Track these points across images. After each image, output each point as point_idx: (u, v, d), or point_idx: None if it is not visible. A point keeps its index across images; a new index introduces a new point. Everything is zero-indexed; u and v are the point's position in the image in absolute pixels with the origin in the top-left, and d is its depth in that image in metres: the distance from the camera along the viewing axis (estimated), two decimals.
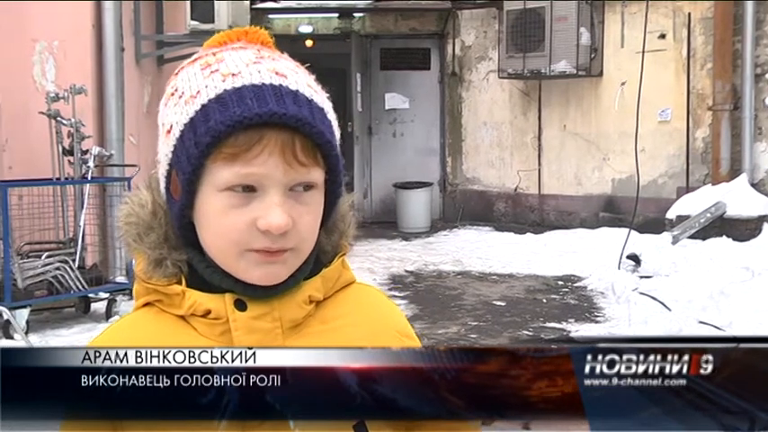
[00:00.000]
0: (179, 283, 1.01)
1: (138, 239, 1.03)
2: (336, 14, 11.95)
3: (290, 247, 0.97)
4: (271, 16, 12.03)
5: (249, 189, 0.95)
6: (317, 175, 0.98)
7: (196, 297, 1.00)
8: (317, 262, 1.04)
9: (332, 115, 1.01)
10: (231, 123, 0.93)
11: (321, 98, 1.00)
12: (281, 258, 0.97)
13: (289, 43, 12.73)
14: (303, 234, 0.98)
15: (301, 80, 0.99)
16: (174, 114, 0.99)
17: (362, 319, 1.06)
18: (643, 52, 8.93)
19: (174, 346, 0.92)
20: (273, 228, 0.94)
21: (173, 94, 1.01)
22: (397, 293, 7.36)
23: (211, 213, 0.97)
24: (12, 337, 5.62)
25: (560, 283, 7.82)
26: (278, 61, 1.00)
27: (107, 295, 6.48)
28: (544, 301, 7.13)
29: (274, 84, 0.96)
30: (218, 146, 0.94)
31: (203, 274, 1.00)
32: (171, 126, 0.99)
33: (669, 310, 6.29)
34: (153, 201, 1.04)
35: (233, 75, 0.96)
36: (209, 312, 1.00)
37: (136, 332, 1.03)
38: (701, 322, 5.83)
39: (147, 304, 1.04)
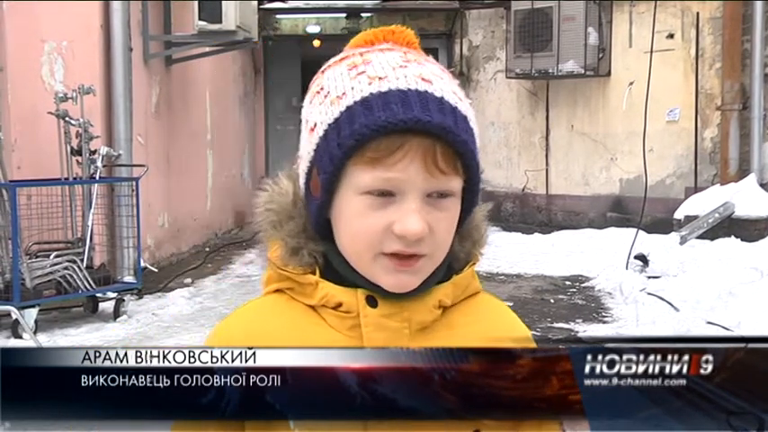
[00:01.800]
0: (313, 273, 1.02)
1: (277, 226, 1.04)
2: (344, 15, 11.97)
3: (425, 253, 0.97)
4: (278, 16, 12.05)
5: (388, 193, 0.95)
6: (456, 184, 0.98)
7: (329, 289, 1.01)
8: (448, 268, 1.04)
9: (474, 123, 1.00)
10: (375, 128, 0.93)
11: (465, 106, 0.99)
12: (415, 267, 0.97)
13: (296, 43, 12.76)
14: (438, 241, 0.98)
15: (446, 87, 0.98)
16: (320, 114, 0.99)
17: (488, 328, 1.06)
18: (651, 52, 8.92)
19: (304, 334, 0.96)
20: (410, 233, 0.95)
21: (318, 93, 1.01)
22: None
23: (349, 215, 0.97)
24: (20, 337, 5.63)
25: (568, 283, 7.81)
26: (424, 66, 1.00)
27: (115, 295, 6.50)
28: (552, 301, 7.12)
29: (420, 90, 0.95)
30: (361, 149, 0.94)
31: (338, 268, 1.01)
32: (315, 124, 0.99)
33: (677, 310, 6.27)
34: (294, 191, 1.04)
35: (379, 78, 0.96)
36: (340, 305, 1.00)
37: (269, 316, 1.03)
38: (708, 323, 5.81)
39: (276, 291, 1.05)
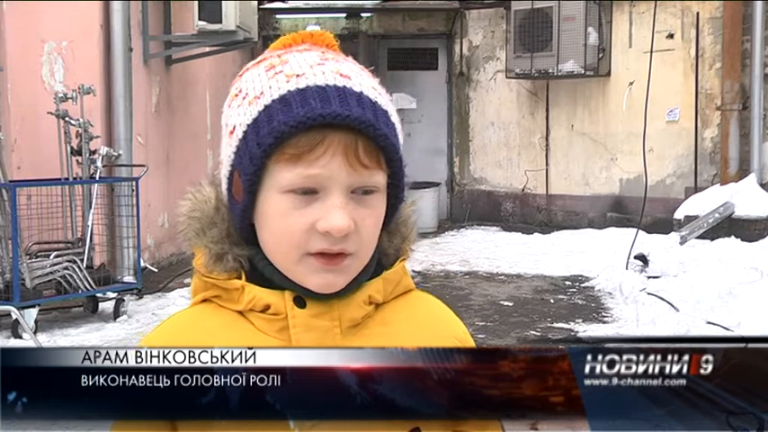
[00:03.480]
0: (239, 278, 1.01)
1: (200, 233, 1.02)
2: (344, 14, 11.96)
3: (351, 251, 0.96)
4: (278, 16, 12.05)
5: (311, 191, 0.94)
6: (380, 178, 0.97)
7: (255, 292, 0.99)
8: (378, 264, 1.03)
9: (395, 118, 1.00)
10: (294, 124, 0.92)
11: (385, 100, 0.99)
12: (341, 266, 0.96)
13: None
14: (363, 238, 0.97)
15: (365, 82, 0.98)
16: (238, 115, 0.98)
17: (422, 324, 1.05)
18: (651, 52, 8.92)
19: (232, 342, 0.93)
20: (334, 230, 0.93)
21: (236, 95, 1.00)
22: None
23: (272, 215, 0.96)
24: (20, 337, 5.64)
25: (568, 283, 7.81)
26: (342, 63, 1.00)
27: (115, 295, 6.50)
28: (552, 301, 7.12)
29: (338, 85, 0.95)
30: (281, 147, 0.93)
31: (264, 271, 1.00)
32: (234, 127, 0.98)
33: (677, 310, 6.27)
34: (216, 197, 1.03)
35: (297, 76, 0.96)
36: (268, 308, 0.99)
37: (194, 328, 1.02)
38: (709, 323, 5.81)
39: (204, 301, 1.04)
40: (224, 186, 1.01)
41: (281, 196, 0.95)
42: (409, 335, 1.03)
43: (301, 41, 1.03)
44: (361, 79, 0.98)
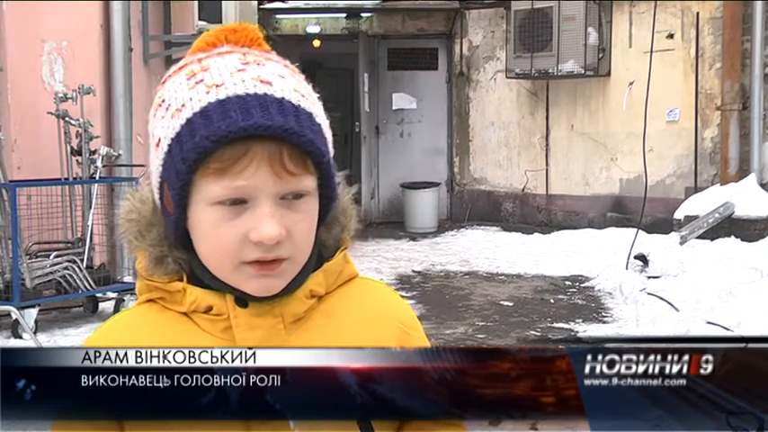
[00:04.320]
0: (180, 279, 1.01)
1: (139, 237, 1.02)
2: (344, 14, 11.96)
3: (286, 256, 0.96)
4: (278, 16, 12.05)
5: (240, 202, 0.94)
6: (309, 183, 0.96)
7: (197, 294, 1.00)
8: (318, 257, 1.03)
9: (321, 119, 0.99)
10: (216, 138, 0.91)
11: (309, 102, 0.98)
12: (277, 271, 0.96)
13: (296, 43, 12.75)
14: (297, 242, 0.97)
15: (287, 86, 0.96)
16: (162, 128, 0.97)
17: (366, 311, 1.06)
18: (651, 52, 8.92)
19: (176, 343, 0.92)
20: (266, 239, 0.93)
21: (160, 105, 0.99)
22: (404, 293, 7.36)
23: (204, 227, 0.96)
24: (20, 337, 5.64)
25: (568, 283, 7.81)
26: (263, 66, 0.98)
27: (115, 295, 6.51)
28: (552, 301, 7.12)
29: (259, 93, 0.94)
30: (205, 161, 0.93)
31: (202, 277, 1.00)
32: (159, 140, 0.98)
33: (677, 310, 6.27)
34: (153, 199, 1.03)
35: (216, 86, 0.95)
36: (210, 309, 0.99)
37: (138, 328, 1.02)
38: (709, 323, 5.81)
39: (149, 300, 1.04)
40: (156, 196, 1.01)
41: (210, 208, 0.95)
42: (354, 323, 1.03)
43: (224, 40, 1.01)
44: (282, 83, 0.96)
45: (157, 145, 0.98)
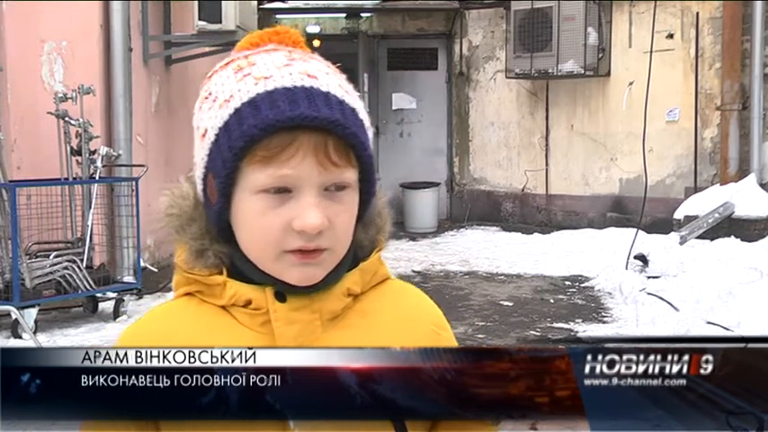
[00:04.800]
0: (220, 273, 1.02)
1: (180, 230, 1.04)
2: (344, 14, 11.96)
3: (326, 247, 0.98)
4: (278, 16, 12.05)
5: (284, 191, 0.96)
6: (351, 175, 0.99)
7: (237, 287, 1.01)
8: (354, 257, 1.05)
9: (363, 115, 1.01)
10: (264, 127, 0.94)
11: (352, 99, 1.00)
12: (318, 260, 0.98)
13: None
14: (338, 233, 0.99)
15: (332, 81, 0.99)
16: (209, 119, 0.99)
17: (400, 312, 1.07)
18: (651, 52, 8.93)
19: (214, 336, 0.96)
20: (309, 227, 0.95)
21: (206, 98, 1.01)
22: None
23: (248, 216, 0.98)
24: (20, 337, 5.64)
25: (568, 283, 7.81)
26: (309, 63, 1.01)
27: (115, 295, 6.50)
28: (551, 301, 7.12)
29: (306, 86, 0.97)
30: (252, 149, 0.95)
31: (243, 269, 1.02)
32: (206, 130, 1.00)
33: (677, 310, 6.27)
34: (194, 194, 1.05)
35: (265, 78, 0.97)
36: (249, 302, 1.01)
37: (177, 321, 1.04)
38: (708, 323, 5.81)
39: (187, 294, 1.05)
40: (199, 188, 1.03)
41: (255, 197, 0.97)
42: (389, 324, 1.05)
43: (268, 40, 1.04)
44: (328, 79, 0.99)
45: (203, 136, 1.00)
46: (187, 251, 1.03)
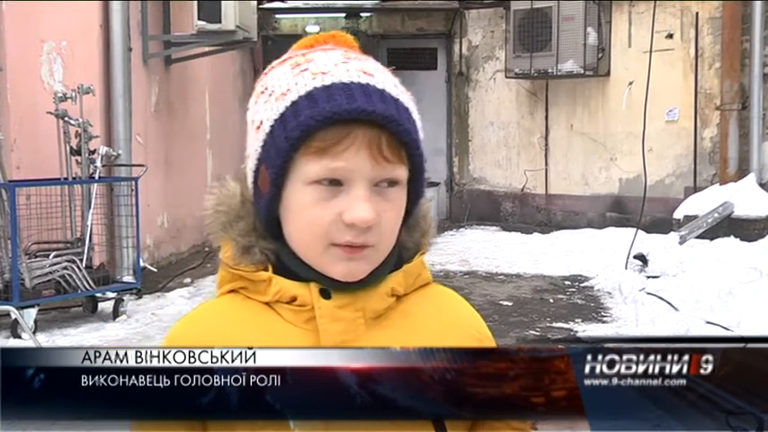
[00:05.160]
0: (265, 270, 1.03)
1: (227, 227, 1.05)
2: (343, 14, 11.96)
3: (372, 243, 0.99)
4: (278, 16, 12.05)
5: (336, 183, 0.97)
6: (402, 173, 1.00)
7: (282, 284, 1.02)
8: (398, 258, 1.06)
9: (416, 115, 1.03)
10: (321, 119, 0.95)
11: (406, 98, 1.02)
12: (363, 255, 0.99)
13: (295, 43, 12.75)
14: (384, 231, 1.00)
15: (388, 80, 1.01)
16: (265, 111, 1.01)
17: (442, 316, 1.08)
18: (650, 52, 8.93)
19: (260, 332, 0.97)
20: (359, 221, 0.96)
21: (263, 93, 1.03)
22: None
23: (298, 206, 0.99)
24: (20, 337, 5.63)
25: (567, 283, 7.81)
26: (365, 62, 1.03)
27: (114, 295, 6.50)
28: (551, 301, 7.12)
29: (362, 82, 0.98)
30: (308, 140, 0.96)
31: (289, 264, 1.02)
32: (261, 122, 1.01)
33: (676, 310, 6.27)
34: (242, 192, 1.06)
35: (322, 73, 0.99)
36: (294, 299, 1.02)
37: (224, 318, 1.04)
38: (708, 322, 5.81)
39: (231, 291, 1.06)
40: (249, 180, 1.05)
41: (307, 188, 0.98)
42: (431, 326, 1.06)
43: (324, 42, 1.06)
44: (383, 77, 1.01)
45: (258, 128, 1.02)
46: (233, 248, 1.04)
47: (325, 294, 1.01)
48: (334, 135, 0.96)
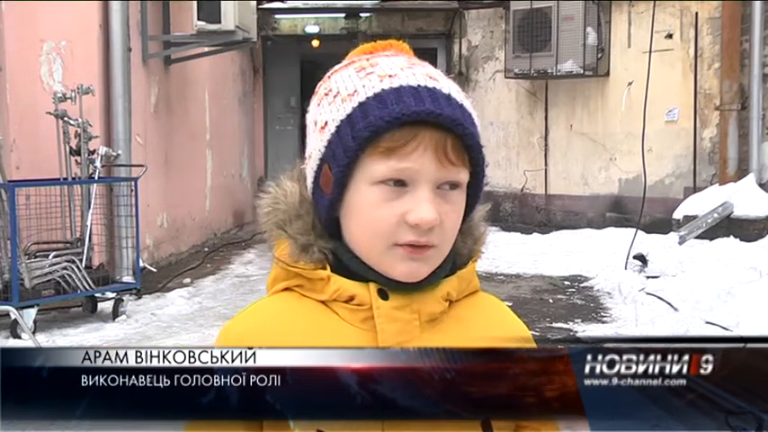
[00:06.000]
0: (323, 269, 1.04)
1: (285, 225, 1.06)
2: (343, 14, 11.96)
3: (435, 243, 1.00)
4: (277, 16, 12.05)
5: (400, 183, 0.98)
6: (464, 176, 1.01)
7: (341, 283, 1.03)
8: (452, 264, 1.07)
9: (478, 121, 1.04)
10: (390, 119, 0.97)
11: (469, 104, 1.04)
12: (425, 255, 1.00)
13: (295, 43, 12.76)
14: (446, 232, 1.01)
15: (452, 86, 1.03)
16: (330, 112, 1.02)
17: (492, 323, 1.09)
18: (650, 52, 8.93)
19: (317, 330, 0.98)
20: (423, 222, 0.97)
21: (327, 95, 1.04)
22: None
23: (362, 206, 1.00)
24: (19, 337, 5.63)
25: (567, 283, 7.81)
26: (429, 67, 1.06)
27: (114, 295, 6.50)
28: (551, 301, 7.12)
29: (429, 86, 1.00)
30: (376, 141, 0.98)
31: (349, 264, 1.03)
32: (326, 123, 1.02)
33: (676, 310, 6.27)
34: (300, 191, 1.07)
35: (390, 76, 1.01)
36: (352, 298, 1.02)
37: (280, 315, 1.05)
38: (707, 322, 5.81)
39: (285, 290, 1.07)
40: (310, 180, 1.05)
41: (372, 188, 0.99)
42: (480, 332, 1.06)
43: (383, 49, 1.09)
44: (448, 83, 1.03)
45: (323, 128, 1.02)
46: (291, 246, 1.05)
47: (382, 295, 1.02)
48: (401, 136, 0.97)
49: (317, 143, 1.03)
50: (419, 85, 1.00)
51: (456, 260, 1.07)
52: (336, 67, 1.08)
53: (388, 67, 1.02)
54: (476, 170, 1.03)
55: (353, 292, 1.02)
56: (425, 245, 0.99)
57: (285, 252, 1.05)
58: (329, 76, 1.07)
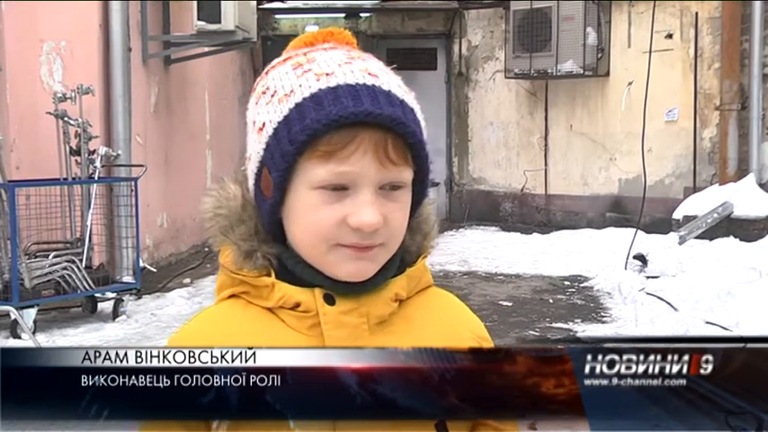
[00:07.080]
0: (268, 275, 1.01)
1: (228, 231, 1.03)
2: (343, 14, 11.96)
3: (380, 242, 0.98)
4: (277, 16, 12.05)
5: (341, 187, 0.96)
6: (407, 175, 0.99)
7: (286, 290, 1.00)
8: (401, 262, 1.05)
9: (420, 115, 1.02)
10: (327, 122, 0.93)
11: (411, 99, 1.01)
12: (371, 254, 0.98)
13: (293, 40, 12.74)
14: (393, 230, 0.99)
15: (392, 81, 1.00)
16: (267, 113, 0.99)
17: (443, 320, 1.08)
18: (650, 52, 8.93)
19: (263, 338, 0.96)
20: (365, 226, 0.95)
21: (264, 93, 1.01)
22: None
23: (303, 210, 0.97)
24: (19, 337, 5.63)
25: (567, 283, 7.81)
26: (368, 61, 1.01)
27: (114, 295, 6.50)
28: (551, 301, 7.12)
29: (368, 84, 0.96)
30: (313, 144, 0.94)
31: (294, 269, 1.01)
32: (264, 124, 0.99)
33: (676, 310, 6.27)
34: (242, 195, 1.04)
35: (327, 74, 0.97)
36: (298, 305, 1.00)
37: (225, 323, 1.03)
38: (707, 322, 5.81)
39: (231, 297, 1.05)
40: (251, 182, 1.03)
41: (312, 192, 0.96)
42: (432, 332, 1.05)
43: (323, 40, 1.04)
44: (388, 78, 1.00)
45: (261, 129, 0.99)
46: (235, 252, 1.02)
47: (329, 300, 1.00)
48: (340, 139, 0.94)
49: (255, 145, 1.00)
50: (357, 84, 0.96)
51: (405, 257, 1.05)
52: (274, 62, 1.04)
53: (325, 64, 0.98)
54: (419, 167, 1.00)
55: (299, 298, 1.00)
56: (370, 245, 0.97)
57: (229, 258, 1.03)
58: (267, 73, 1.03)
